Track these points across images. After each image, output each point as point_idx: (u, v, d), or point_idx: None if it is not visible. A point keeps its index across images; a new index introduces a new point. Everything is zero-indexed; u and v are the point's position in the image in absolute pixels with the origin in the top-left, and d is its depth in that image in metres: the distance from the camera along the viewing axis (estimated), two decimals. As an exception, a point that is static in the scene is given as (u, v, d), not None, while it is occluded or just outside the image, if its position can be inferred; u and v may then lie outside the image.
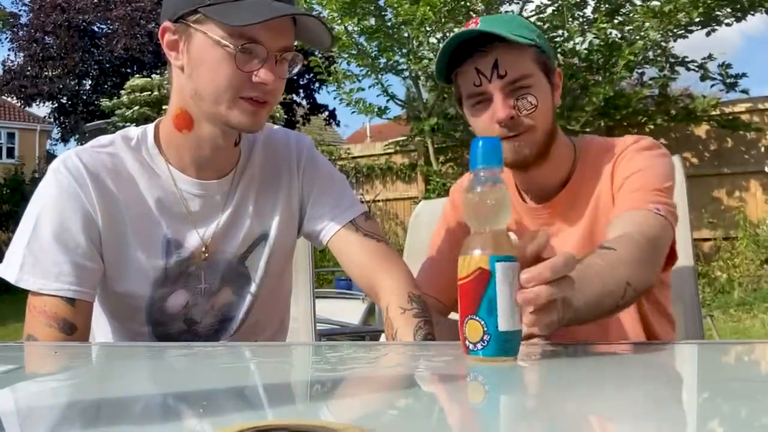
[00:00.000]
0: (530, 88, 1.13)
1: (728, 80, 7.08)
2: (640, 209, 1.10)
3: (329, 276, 7.57)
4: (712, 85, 7.25)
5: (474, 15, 6.80)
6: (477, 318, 0.73)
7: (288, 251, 1.27)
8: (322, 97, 26.60)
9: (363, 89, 8.09)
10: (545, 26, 7.07)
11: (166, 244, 1.13)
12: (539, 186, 1.25)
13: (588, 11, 7.22)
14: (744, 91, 7.09)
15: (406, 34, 7.19)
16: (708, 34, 6.94)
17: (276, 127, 1.30)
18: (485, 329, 0.72)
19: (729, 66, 7.08)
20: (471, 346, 0.73)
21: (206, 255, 1.15)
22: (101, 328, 1.21)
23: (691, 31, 6.95)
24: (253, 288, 1.21)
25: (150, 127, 1.17)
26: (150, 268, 1.12)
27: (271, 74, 1.03)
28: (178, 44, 1.06)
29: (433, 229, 1.40)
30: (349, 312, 3.84)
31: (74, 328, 1.05)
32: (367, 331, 3.49)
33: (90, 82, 17.38)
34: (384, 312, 1.14)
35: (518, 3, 7.62)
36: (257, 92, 1.04)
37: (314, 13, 7.43)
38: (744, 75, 7.07)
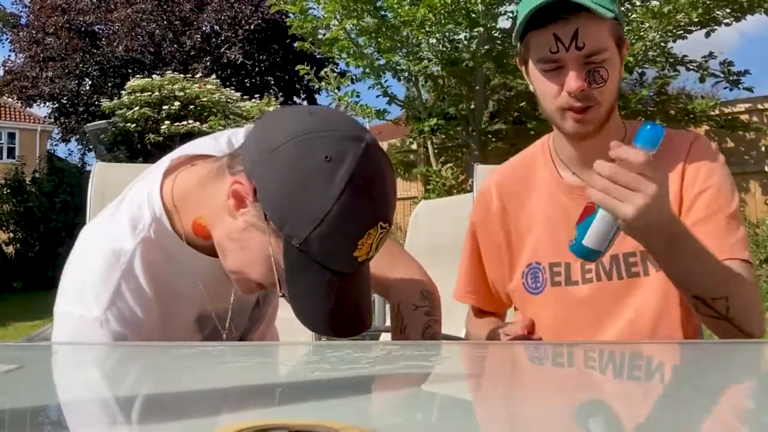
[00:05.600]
0: (604, 62, 1.13)
1: (731, 77, 7.04)
2: (739, 261, 1.11)
3: (329, 276, 7.55)
4: (715, 83, 7.22)
5: (474, 15, 6.81)
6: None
7: None
8: (323, 98, 26.44)
9: (359, 93, 7.73)
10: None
11: (198, 320, 1.09)
12: (594, 158, 1.18)
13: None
14: (748, 89, 7.04)
15: (405, 33, 7.18)
16: (707, 34, 6.91)
17: None
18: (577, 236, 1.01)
19: (731, 63, 7.04)
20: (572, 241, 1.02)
21: (231, 314, 1.11)
22: None
23: (690, 32, 6.93)
24: (261, 311, 1.26)
25: (165, 222, 1.02)
26: (183, 338, 1.08)
27: None
28: (244, 202, 0.91)
29: (433, 229, 1.39)
30: (349, 312, 3.82)
31: None
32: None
33: (90, 82, 17.40)
34: (394, 307, 1.18)
35: (518, 3, 7.58)
36: None
37: (310, 11, 7.44)
38: (747, 72, 6.99)
